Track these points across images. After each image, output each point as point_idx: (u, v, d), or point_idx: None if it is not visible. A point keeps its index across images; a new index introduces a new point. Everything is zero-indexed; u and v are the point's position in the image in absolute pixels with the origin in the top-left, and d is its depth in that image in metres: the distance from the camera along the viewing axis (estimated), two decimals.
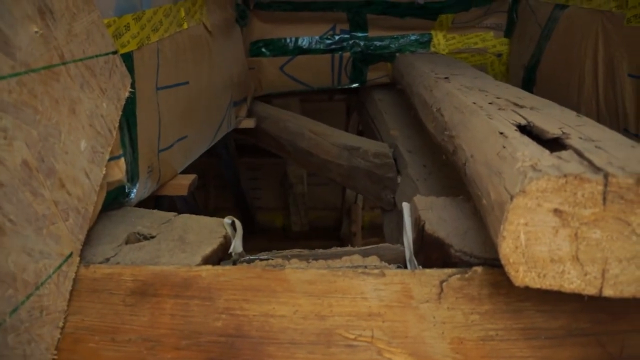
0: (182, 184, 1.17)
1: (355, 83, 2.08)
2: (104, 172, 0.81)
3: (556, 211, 0.60)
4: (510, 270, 0.62)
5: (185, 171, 1.27)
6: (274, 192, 3.73)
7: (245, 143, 3.13)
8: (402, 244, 0.92)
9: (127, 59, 0.92)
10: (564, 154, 0.67)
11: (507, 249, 0.61)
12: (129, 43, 0.92)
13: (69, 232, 0.73)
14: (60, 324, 0.70)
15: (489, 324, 0.68)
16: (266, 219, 3.72)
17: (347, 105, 3.27)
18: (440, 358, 0.66)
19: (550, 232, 0.61)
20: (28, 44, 0.64)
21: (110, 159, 0.88)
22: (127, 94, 0.89)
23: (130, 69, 0.93)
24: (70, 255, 0.73)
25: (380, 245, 0.90)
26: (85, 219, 0.77)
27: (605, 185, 0.59)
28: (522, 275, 0.62)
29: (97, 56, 0.78)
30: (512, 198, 0.60)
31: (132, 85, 0.92)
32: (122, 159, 0.91)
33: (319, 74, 2.03)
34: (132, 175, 0.97)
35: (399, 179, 1.44)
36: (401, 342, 0.66)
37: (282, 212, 3.78)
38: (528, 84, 1.75)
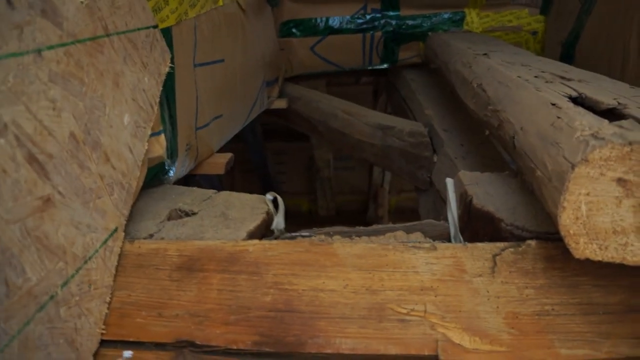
0: (219, 163, 1.16)
1: (386, 63, 2.05)
2: (146, 147, 0.80)
3: (620, 180, 0.58)
4: (571, 242, 0.60)
5: None
6: (300, 177, 3.72)
7: (272, 127, 3.13)
8: (446, 220, 0.90)
9: (166, 34, 0.91)
10: (625, 122, 0.64)
11: (567, 220, 0.59)
12: (168, 18, 0.91)
13: (114, 206, 0.72)
14: (108, 299, 0.70)
15: (545, 299, 0.66)
16: (293, 203, 3.72)
17: (374, 88, 3.24)
18: (495, 333, 0.64)
19: (613, 203, 0.58)
20: (74, 14, 0.63)
21: (151, 135, 0.88)
22: (167, 69, 0.88)
23: (169, 44, 0.92)
24: (116, 230, 0.72)
25: (424, 221, 0.88)
26: (130, 194, 0.76)
27: None
28: (582, 247, 0.60)
29: (138, 29, 0.77)
30: (573, 167, 0.58)
31: (172, 61, 0.91)
32: (163, 135, 0.91)
33: (350, 54, 2.00)
34: (172, 152, 0.97)
35: (435, 158, 1.41)
36: (455, 316, 0.65)
37: (309, 196, 3.77)
38: (566, 62, 1.71)
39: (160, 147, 0.90)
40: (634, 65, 1.36)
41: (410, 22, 1.97)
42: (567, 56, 1.70)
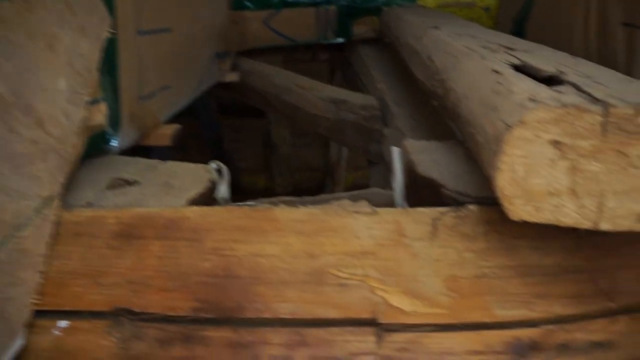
0: (165, 134, 1.14)
1: (340, 37, 2.04)
2: (84, 114, 0.78)
3: (554, 143, 0.58)
4: (506, 204, 0.60)
5: None
6: (256, 154, 3.69)
7: (227, 103, 3.09)
8: (390, 188, 0.90)
9: None
10: (562, 88, 0.65)
11: (503, 182, 0.59)
12: None
13: (48, 173, 0.70)
14: (41, 268, 0.68)
15: (483, 262, 0.67)
16: (249, 180, 3.70)
17: (331, 65, 3.23)
18: (434, 295, 0.64)
19: (548, 165, 0.59)
20: None
21: (91, 103, 0.85)
22: (107, 35, 0.85)
23: (111, 10, 0.89)
24: (51, 197, 0.70)
25: (370, 190, 0.89)
26: (66, 161, 0.74)
27: (605, 115, 0.58)
28: (518, 209, 0.60)
29: None
30: (509, 129, 0.58)
31: (113, 27, 0.88)
32: (103, 103, 0.88)
33: (304, 28, 1.98)
34: (114, 121, 0.94)
35: (386, 132, 1.42)
36: (394, 280, 0.65)
37: (265, 173, 3.75)
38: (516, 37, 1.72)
39: (100, 115, 0.88)
40: (578, 42, 1.38)
41: None
42: (517, 32, 1.72)
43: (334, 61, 3.14)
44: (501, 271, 0.67)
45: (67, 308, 0.66)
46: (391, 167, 0.92)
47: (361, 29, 2.02)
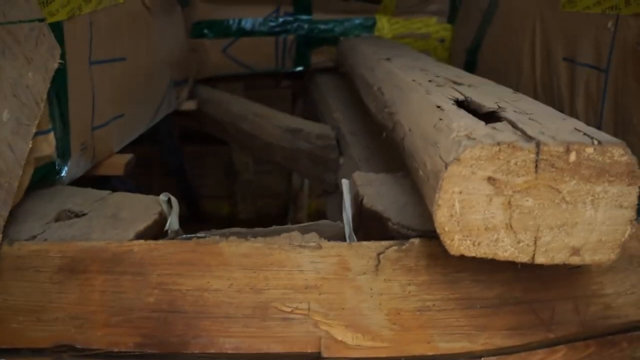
0: (119, 163, 1.13)
1: (299, 66, 2.06)
2: (30, 146, 0.78)
3: (490, 179, 0.60)
4: (446, 239, 0.62)
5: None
6: (219, 180, 3.68)
7: (189, 131, 3.08)
8: (343, 221, 0.91)
9: (57, 29, 0.88)
10: (499, 125, 0.68)
11: (442, 218, 0.61)
12: (58, 12, 0.88)
13: None
14: None
15: (426, 295, 0.68)
16: (212, 207, 3.67)
17: (293, 92, 3.25)
18: (377, 329, 0.65)
19: (484, 201, 0.61)
20: None
21: (38, 133, 0.85)
22: (56, 66, 0.85)
23: (60, 40, 0.89)
24: None
25: (320, 222, 0.89)
26: (9, 194, 0.73)
27: (537, 153, 0.60)
28: (457, 244, 0.62)
29: (20, 22, 0.74)
30: (446, 166, 0.60)
31: (62, 57, 0.88)
32: (52, 134, 0.88)
33: (263, 56, 2.00)
34: (63, 152, 0.94)
35: (341, 161, 1.43)
36: (338, 314, 0.66)
37: (228, 200, 3.73)
38: (469, 68, 1.77)
39: (48, 146, 0.87)
40: (527, 74, 1.43)
41: (322, 27, 2.00)
42: (470, 63, 1.77)
43: (296, 88, 3.17)
44: (444, 304, 0.68)
45: (5, 346, 0.65)
46: (342, 199, 0.94)
47: (319, 58, 2.05)
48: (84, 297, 0.67)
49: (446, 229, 0.62)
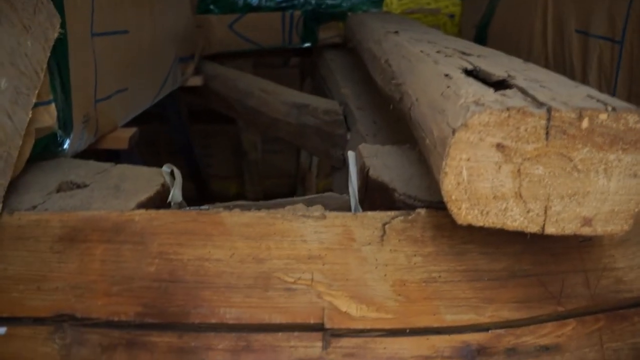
0: (123, 137, 1.12)
1: (306, 43, 2.03)
2: (30, 115, 0.76)
3: (499, 146, 0.58)
4: (453, 208, 0.60)
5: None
6: (227, 160, 3.67)
7: (197, 109, 3.07)
8: (348, 193, 0.90)
9: None
10: (508, 92, 0.65)
11: (449, 186, 0.59)
12: None
13: None
14: None
15: (432, 266, 0.67)
16: (219, 187, 3.66)
17: (301, 71, 3.23)
18: (382, 300, 0.64)
19: (492, 168, 0.59)
20: None
21: (39, 104, 0.83)
22: (56, 35, 0.83)
23: (60, 10, 0.87)
24: None
25: (325, 194, 0.88)
26: (8, 163, 0.72)
27: (548, 119, 0.58)
28: (464, 213, 0.60)
29: None
30: (454, 132, 0.58)
31: (63, 27, 0.86)
32: (53, 105, 0.86)
33: (270, 32, 1.98)
34: (65, 123, 0.92)
35: (348, 136, 1.41)
36: (342, 284, 0.64)
37: (236, 180, 3.72)
38: (479, 44, 1.74)
39: (49, 117, 0.86)
40: (538, 48, 1.40)
41: (329, 2, 1.97)
42: (480, 39, 1.74)
43: (304, 67, 3.14)
44: (450, 275, 0.67)
45: (5, 314, 0.64)
46: (347, 171, 0.92)
47: (327, 34, 2.02)
48: (85, 266, 0.66)
49: (453, 197, 0.60)
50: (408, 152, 0.89)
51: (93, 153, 1.02)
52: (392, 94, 1.00)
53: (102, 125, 1.08)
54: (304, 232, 0.67)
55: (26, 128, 0.77)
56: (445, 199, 0.60)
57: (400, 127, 1.33)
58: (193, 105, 2.76)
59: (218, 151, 3.65)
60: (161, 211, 0.69)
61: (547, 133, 0.58)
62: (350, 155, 0.91)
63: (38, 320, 0.64)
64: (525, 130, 0.58)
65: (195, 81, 1.71)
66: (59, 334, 0.63)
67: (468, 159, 0.59)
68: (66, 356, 0.62)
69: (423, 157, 0.83)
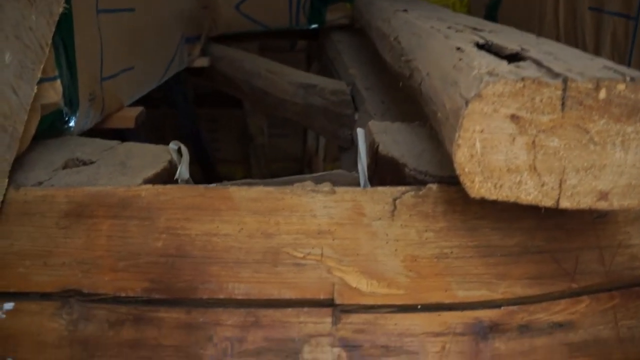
0: (129, 116, 1.11)
1: (313, 24, 2.01)
2: (35, 90, 0.75)
3: (513, 117, 0.57)
4: (466, 181, 0.59)
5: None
6: (234, 144, 3.66)
7: (204, 93, 3.05)
8: (357, 171, 0.89)
9: None
10: (523, 63, 0.64)
11: (462, 158, 0.58)
12: None
13: None
14: None
15: (444, 242, 0.66)
16: (226, 171, 3.65)
17: (308, 55, 3.20)
18: (393, 275, 0.63)
19: (507, 140, 0.58)
20: None
21: (44, 80, 0.82)
22: (61, 10, 0.82)
23: None
24: None
25: (334, 171, 0.87)
26: (14, 138, 0.71)
27: (564, 90, 0.56)
28: (477, 186, 0.59)
29: None
30: (467, 103, 0.57)
31: (68, 2, 0.85)
32: (58, 81, 0.85)
33: (276, 13, 1.95)
34: (71, 101, 0.91)
35: (356, 116, 1.40)
36: (352, 259, 0.63)
37: (243, 164, 3.72)
38: None
39: (55, 93, 0.85)
40: (549, 27, 1.38)
41: None
42: (490, 18, 1.72)
43: (311, 51, 3.12)
44: (462, 251, 0.66)
45: (12, 290, 0.64)
46: (356, 148, 0.91)
47: (334, 15, 2.00)
48: (91, 242, 0.65)
49: (466, 169, 0.59)
50: (418, 129, 0.88)
51: (99, 133, 1.01)
52: (402, 70, 0.99)
53: (109, 104, 1.07)
54: (313, 207, 0.66)
55: (32, 104, 0.76)
56: (457, 172, 0.59)
57: (408, 107, 1.32)
58: (199, 88, 2.75)
59: (224, 135, 3.64)
60: (168, 186, 0.68)
61: (562, 104, 0.57)
62: (360, 132, 0.90)
63: (45, 296, 0.63)
64: (541, 101, 0.56)
65: (202, 62, 1.69)
66: (66, 310, 0.62)
67: (482, 131, 0.57)
68: (73, 332, 0.61)
69: (433, 134, 0.82)
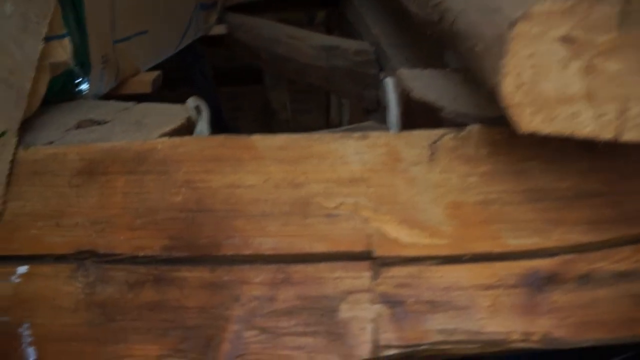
0: (145, 80, 1.06)
1: None
2: (41, 46, 0.70)
3: (565, 39, 0.50)
4: (514, 115, 0.53)
5: None
6: (256, 121, 3.61)
7: (224, 71, 3.01)
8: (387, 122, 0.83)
9: None
10: None
11: (509, 88, 0.52)
12: None
13: None
14: None
15: (489, 187, 0.60)
16: None
17: (327, 28, 3.13)
18: (435, 224, 0.57)
19: (559, 66, 0.51)
20: None
21: (51, 38, 0.77)
22: None
23: None
24: (4, 133, 0.63)
25: (364, 123, 0.81)
26: (20, 95, 0.66)
27: (625, 3, 0.50)
28: (527, 120, 0.52)
29: None
30: (513, 25, 0.50)
31: None
32: (67, 39, 0.80)
33: None
34: (83, 62, 0.86)
35: (381, 76, 1.34)
36: (390, 208, 0.58)
37: None
38: None
39: (64, 51, 0.80)
40: None
41: None
42: None
43: (330, 22, 3.04)
44: (510, 197, 0.59)
45: (25, 253, 0.59)
46: (385, 99, 0.85)
47: None
48: (105, 200, 0.60)
49: (514, 101, 0.52)
50: (451, 74, 0.81)
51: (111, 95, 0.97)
52: (430, 17, 0.92)
53: (123, 68, 1.02)
54: (344, 154, 0.60)
55: (39, 62, 0.71)
56: (504, 105, 0.53)
57: (434, 63, 1.25)
58: (218, 67, 2.71)
59: (246, 113, 3.59)
60: (186, 138, 0.63)
61: (622, 21, 0.50)
62: (389, 81, 0.83)
63: (59, 258, 0.59)
64: (597, 18, 0.50)
65: (219, 30, 1.63)
66: (82, 272, 0.58)
67: (530, 56, 0.51)
68: (90, 295, 0.57)
69: (468, 78, 0.75)
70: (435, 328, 0.54)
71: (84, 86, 0.89)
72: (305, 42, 1.53)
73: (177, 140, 0.63)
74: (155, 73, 1.09)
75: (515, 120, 0.53)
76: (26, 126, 0.70)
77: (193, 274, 0.56)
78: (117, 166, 0.62)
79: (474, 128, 0.63)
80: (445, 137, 0.62)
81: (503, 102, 0.53)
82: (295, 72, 1.56)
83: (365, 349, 0.54)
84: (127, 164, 0.62)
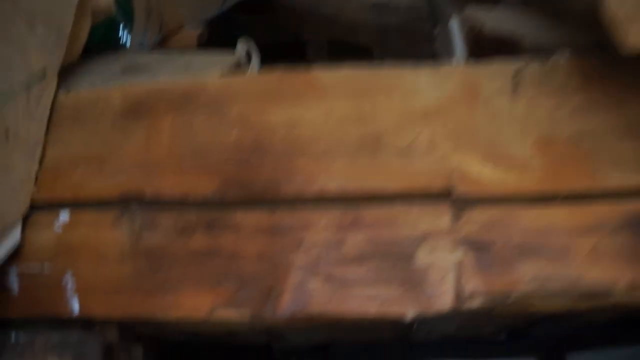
0: (190, 36, 1.01)
1: None
2: None
3: None
4: (619, 31, 0.45)
5: None
6: None
7: (263, 47, 2.96)
8: None
9: None
10: None
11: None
12: None
13: (38, 43, 0.58)
14: (37, 157, 0.57)
15: (583, 120, 0.52)
16: None
17: None
18: (524, 160, 0.50)
19: None
20: None
21: None
22: None
23: None
24: (42, 72, 0.58)
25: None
26: (60, 36, 0.62)
27: None
28: (634, 39, 0.45)
29: None
30: None
31: None
32: None
33: None
34: (125, 11, 0.81)
35: (436, 31, 1.26)
36: (472, 143, 0.51)
37: None
38: None
39: None
40: None
41: None
42: None
43: None
44: (607, 131, 0.52)
45: (67, 200, 0.55)
46: (451, 42, 0.77)
47: None
48: (151, 142, 0.55)
49: (619, 16, 0.45)
50: (524, 8, 0.73)
51: None
52: None
53: (167, 20, 0.97)
54: (417, 85, 0.53)
55: (81, 7, 0.66)
56: (607, 22, 0.45)
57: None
58: (260, 41, 2.65)
59: None
60: (239, 76, 0.57)
61: None
62: (454, 22, 0.76)
63: (103, 204, 0.54)
64: None
65: None
66: (127, 218, 0.53)
67: None
68: (136, 242, 0.52)
69: (547, 10, 0.67)
70: (528, 276, 0.47)
71: (127, 37, 0.84)
72: (352, 0, 1.45)
73: (229, 78, 0.57)
74: (200, 29, 1.04)
75: (620, 40, 0.45)
76: (68, 72, 0.65)
77: (249, 218, 0.51)
78: (163, 106, 0.57)
79: (562, 57, 0.55)
80: (531, 66, 0.54)
81: (605, 18, 0.45)
82: (342, 34, 1.48)
83: (446, 300, 0.47)
84: (174, 103, 0.56)
